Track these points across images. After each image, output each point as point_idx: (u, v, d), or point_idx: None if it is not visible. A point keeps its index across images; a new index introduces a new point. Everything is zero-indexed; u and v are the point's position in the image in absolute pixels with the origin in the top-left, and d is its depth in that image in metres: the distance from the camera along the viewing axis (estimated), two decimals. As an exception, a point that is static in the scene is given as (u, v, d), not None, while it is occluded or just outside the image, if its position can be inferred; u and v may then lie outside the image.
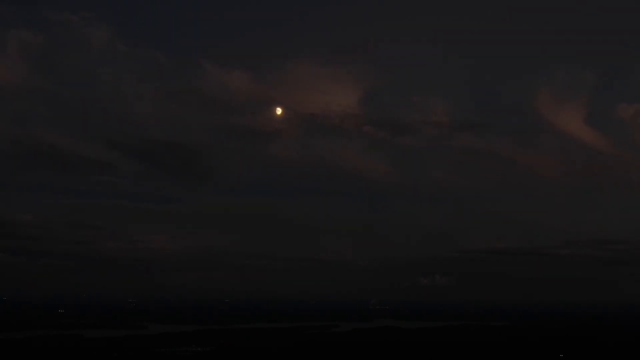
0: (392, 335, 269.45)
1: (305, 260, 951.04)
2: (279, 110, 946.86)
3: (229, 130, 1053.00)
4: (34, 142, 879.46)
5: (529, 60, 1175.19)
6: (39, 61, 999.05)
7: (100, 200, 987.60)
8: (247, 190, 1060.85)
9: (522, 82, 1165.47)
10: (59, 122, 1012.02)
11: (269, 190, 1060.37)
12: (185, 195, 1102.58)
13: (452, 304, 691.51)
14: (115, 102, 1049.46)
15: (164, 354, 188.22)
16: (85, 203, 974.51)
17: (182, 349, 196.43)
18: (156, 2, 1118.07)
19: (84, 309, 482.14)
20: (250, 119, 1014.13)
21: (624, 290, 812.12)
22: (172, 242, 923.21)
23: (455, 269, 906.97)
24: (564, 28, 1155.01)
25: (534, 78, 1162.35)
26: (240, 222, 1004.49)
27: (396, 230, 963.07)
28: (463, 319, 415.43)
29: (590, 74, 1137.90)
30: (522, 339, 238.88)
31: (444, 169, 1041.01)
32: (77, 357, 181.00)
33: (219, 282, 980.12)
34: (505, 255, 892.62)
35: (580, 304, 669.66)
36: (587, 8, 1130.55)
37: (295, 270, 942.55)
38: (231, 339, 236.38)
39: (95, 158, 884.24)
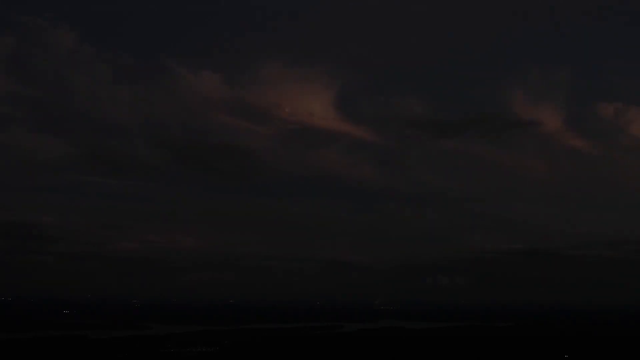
0: (396, 335, 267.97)
1: (310, 261, 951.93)
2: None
3: (212, 130, 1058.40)
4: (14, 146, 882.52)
5: (508, 60, 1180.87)
6: (9, 64, 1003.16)
7: (100, 201, 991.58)
8: (247, 192, 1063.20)
9: (502, 83, 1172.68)
10: (40, 126, 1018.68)
11: (269, 192, 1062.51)
12: (185, 196, 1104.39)
13: (458, 305, 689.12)
14: (89, 104, 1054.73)
15: (169, 354, 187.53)
16: (88, 204, 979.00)
17: (188, 350, 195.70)
18: (121, 3, 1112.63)
19: (88, 310, 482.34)
20: (226, 119, 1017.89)
21: (635, 291, 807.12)
22: (174, 243, 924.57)
23: (461, 270, 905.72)
24: (542, 27, 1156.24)
25: (512, 78, 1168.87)
26: (244, 223, 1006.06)
27: (399, 231, 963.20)
28: (469, 319, 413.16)
29: (568, 73, 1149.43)
30: (524, 339, 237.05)
31: (429, 170, 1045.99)
32: (81, 358, 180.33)
33: (224, 283, 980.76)
34: (509, 255, 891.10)
35: (590, 304, 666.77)
36: (565, 6, 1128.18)
37: (299, 271, 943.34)
38: (236, 340, 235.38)
39: (86, 159, 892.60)
